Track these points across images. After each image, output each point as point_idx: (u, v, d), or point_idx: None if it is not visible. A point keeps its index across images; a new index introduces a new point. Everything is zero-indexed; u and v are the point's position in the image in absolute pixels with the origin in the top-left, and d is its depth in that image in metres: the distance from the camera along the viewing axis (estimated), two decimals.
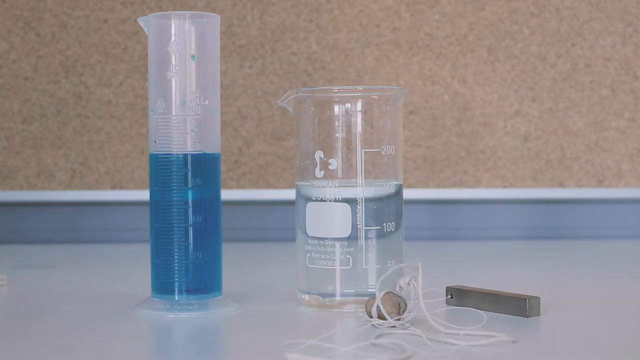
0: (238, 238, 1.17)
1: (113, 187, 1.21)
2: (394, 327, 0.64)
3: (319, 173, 0.72)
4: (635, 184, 1.21)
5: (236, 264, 0.96)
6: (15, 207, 1.21)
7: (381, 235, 0.72)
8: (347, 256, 0.71)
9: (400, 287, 0.67)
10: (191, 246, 0.71)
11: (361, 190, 0.72)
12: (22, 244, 1.19)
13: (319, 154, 0.72)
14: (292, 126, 1.18)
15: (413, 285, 0.66)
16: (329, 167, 0.72)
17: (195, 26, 0.71)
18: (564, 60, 1.21)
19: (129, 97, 1.20)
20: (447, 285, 0.75)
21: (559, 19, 1.21)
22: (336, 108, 0.72)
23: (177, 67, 0.71)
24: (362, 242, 0.72)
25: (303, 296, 0.74)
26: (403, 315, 0.66)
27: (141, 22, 0.73)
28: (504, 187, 1.21)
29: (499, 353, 0.58)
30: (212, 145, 0.72)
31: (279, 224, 1.20)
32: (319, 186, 0.72)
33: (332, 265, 0.72)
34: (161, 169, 0.71)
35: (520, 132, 1.21)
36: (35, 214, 1.21)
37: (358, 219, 0.71)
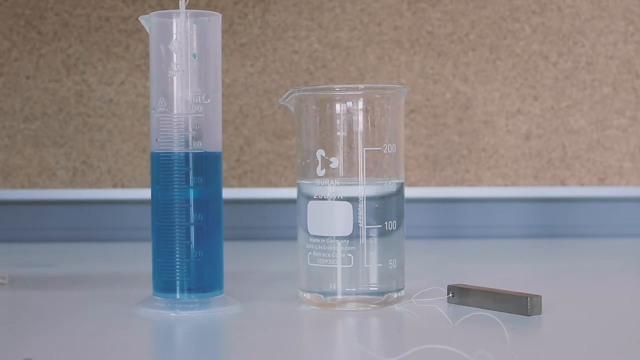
0: (239, 237, 1.17)
1: (114, 186, 1.21)
2: None
3: (321, 171, 0.72)
4: (636, 182, 1.21)
5: (237, 262, 0.96)
6: (17, 205, 1.21)
7: (382, 233, 0.72)
8: (349, 255, 0.71)
9: None
10: (192, 245, 0.71)
11: (362, 189, 0.71)
12: (23, 243, 1.19)
13: (320, 153, 0.72)
14: (294, 125, 1.18)
15: None
16: (331, 165, 0.72)
17: (197, 25, 0.71)
18: (566, 59, 1.21)
19: (131, 95, 1.20)
20: (449, 284, 0.75)
21: (561, 17, 1.21)
22: (337, 106, 0.72)
23: (178, 66, 0.71)
24: (363, 240, 0.72)
25: (304, 295, 0.74)
26: None
27: (143, 20, 0.73)
28: (506, 185, 1.21)
29: (500, 352, 0.58)
30: (214, 143, 0.72)
31: (280, 223, 1.20)
32: (320, 185, 0.72)
33: (334, 264, 0.72)
34: (162, 168, 0.71)
35: (522, 130, 1.21)
36: (36, 213, 1.21)
37: (359, 217, 0.71)
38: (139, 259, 1.03)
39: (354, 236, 0.71)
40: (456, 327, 0.66)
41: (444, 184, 1.21)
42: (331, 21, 1.21)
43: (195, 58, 0.71)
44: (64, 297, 0.79)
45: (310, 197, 0.72)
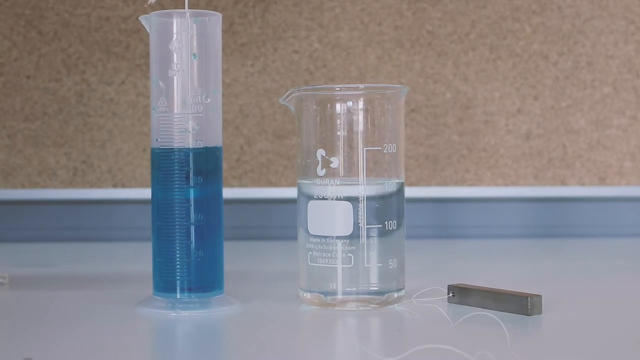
0: (240, 236, 1.17)
1: (115, 186, 1.21)
2: None
3: (321, 171, 0.72)
4: (637, 182, 1.21)
5: (238, 262, 0.96)
6: (17, 205, 1.21)
7: (383, 233, 0.72)
8: (349, 254, 0.71)
9: None
10: (193, 244, 0.71)
11: (363, 189, 0.71)
12: (23, 243, 1.19)
13: (320, 152, 0.72)
14: (294, 124, 1.18)
15: None
16: (331, 165, 0.72)
17: (197, 24, 0.71)
18: (566, 59, 1.21)
19: (131, 95, 1.20)
20: (449, 284, 0.75)
21: (561, 17, 1.21)
22: (338, 106, 0.72)
23: (178, 66, 0.71)
24: (363, 240, 0.72)
25: (305, 294, 0.74)
26: None
27: (143, 20, 0.73)
28: (506, 185, 1.21)
29: (500, 352, 0.58)
30: (214, 143, 0.72)
31: (281, 222, 1.20)
32: (320, 184, 0.72)
33: (334, 264, 0.72)
34: (163, 167, 0.71)
35: (522, 130, 1.21)
36: (36, 212, 1.21)
37: (360, 217, 0.71)
38: (139, 259, 1.03)
39: (354, 236, 0.71)
40: (456, 327, 0.66)
41: (444, 183, 1.21)
42: (331, 21, 1.21)
43: (195, 58, 0.71)
44: (64, 297, 0.79)
45: (310, 197, 0.72)
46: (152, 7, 0.74)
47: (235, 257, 0.95)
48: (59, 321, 0.70)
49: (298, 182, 0.74)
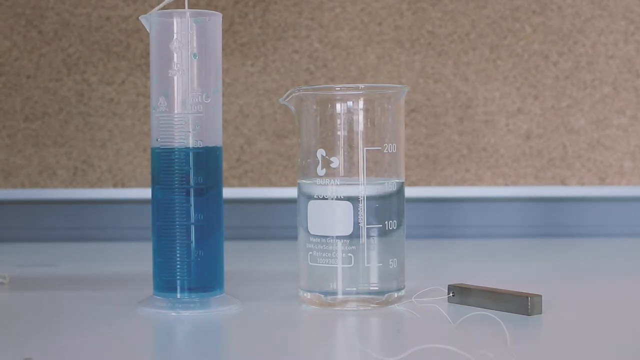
0: (240, 236, 1.17)
1: (115, 185, 1.21)
2: None
3: (321, 171, 0.72)
4: (637, 181, 1.21)
5: (238, 262, 0.96)
6: (17, 205, 1.21)
7: (383, 233, 0.72)
8: (349, 254, 0.71)
9: None
10: (193, 244, 0.71)
11: (363, 189, 0.71)
12: (23, 242, 1.19)
13: (320, 152, 0.72)
14: (294, 124, 1.18)
15: None
16: (331, 165, 0.72)
17: (197, 24, 0.71)
18: (566, 58, 1.21)
19: (131, 95, 1.20)
20: (449, 284, 0.75)
21: (561, 17, 1.21)
22: (338, 106, 0.72)
23: (179, 65, 0.71)
24: (363, 240, 0.71)
25: (305, 294, 0.74)
26: None
27: (143, 20, 0.73)
28: (506, 185, 1.21)
29: (500, 352, 0.58)
30: (214, 143, 0.72)
31: (281, 222, 1.20)
32: (320, 184, 0.72)
33: (334, 264, 0.72)
34: (163, 167, 0.71)
35: (522, 130, 1.21)
36: (37, 212, 1.21)
37: (360, 217, 0.71)
38: (139, 259, 1.03)
39: (354, 236, 0.71)
40: (457, 327, 0.66)
41: (444, 183, 1.21)
42: (331, 21, 1.21)
43: (195, 58, 0.71)
44: (64, 297, 0.79)
45: (310, 197, 0.72)
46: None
47: (235, 257, 0.95)
48: (59, 321, 0.70)
49: (298, 182, 0.74)
